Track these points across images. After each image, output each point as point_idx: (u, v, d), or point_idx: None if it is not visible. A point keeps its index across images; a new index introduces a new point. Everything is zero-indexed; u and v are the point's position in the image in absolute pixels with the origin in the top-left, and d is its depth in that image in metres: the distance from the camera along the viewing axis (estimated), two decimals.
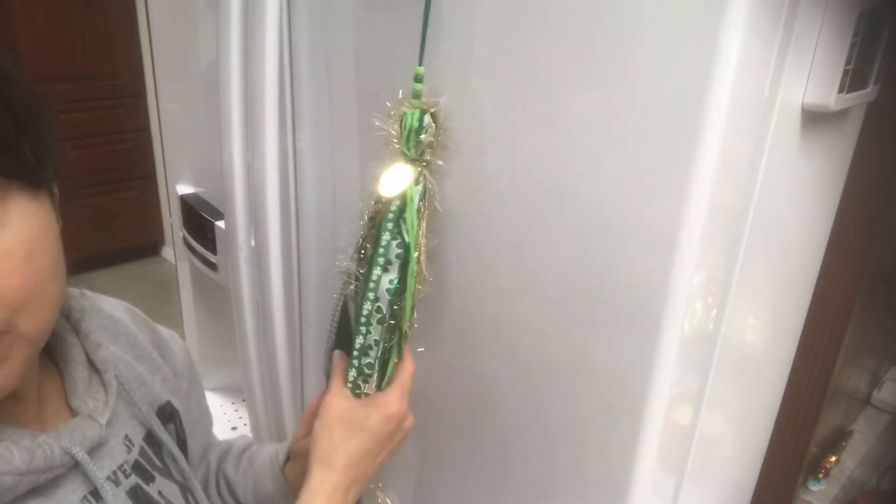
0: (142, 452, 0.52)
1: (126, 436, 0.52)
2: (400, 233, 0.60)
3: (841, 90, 0.53)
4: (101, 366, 0.51)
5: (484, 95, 0.59)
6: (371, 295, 0.61)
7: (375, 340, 0.62)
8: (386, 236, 0.61)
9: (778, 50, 0.49)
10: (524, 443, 0.66)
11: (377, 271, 0.61)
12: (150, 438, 0.54)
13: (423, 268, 0.62)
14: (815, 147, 0.61)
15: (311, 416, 0.66)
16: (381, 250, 0.61)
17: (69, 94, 2.99)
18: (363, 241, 0.64)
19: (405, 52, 0.62)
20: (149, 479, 0.52)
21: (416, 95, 0.60)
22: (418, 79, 0.60)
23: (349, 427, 0.60)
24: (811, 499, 0.93)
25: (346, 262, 0.65)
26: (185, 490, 0.56)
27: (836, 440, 1.02)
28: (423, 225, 0.61)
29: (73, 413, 0.48)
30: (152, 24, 1.13)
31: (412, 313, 0.63)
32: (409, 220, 0.60)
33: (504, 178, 0.59)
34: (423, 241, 0.61)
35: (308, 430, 0.65)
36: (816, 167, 0.64)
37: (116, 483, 0.48)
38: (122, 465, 0.49)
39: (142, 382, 0.55)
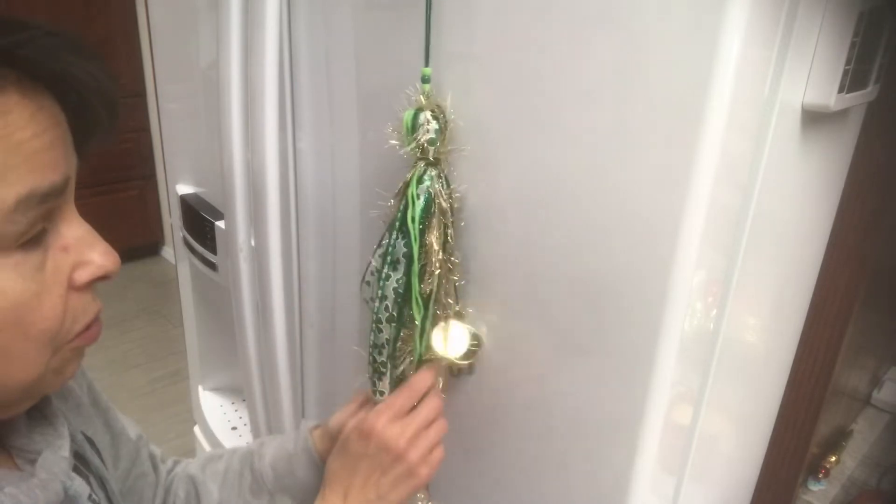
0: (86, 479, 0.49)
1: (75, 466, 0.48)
2: (406, 232, 0.61)
3: (841, 90, 0.53)
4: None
5: (486, 95, 0.59)
6: (380, 293, 0.63)
7: (387, 339, 0.64)
8: (393, 236, 0.62)
9: (778, 50, 0.49)
10: (523, 442, 0.66)
11: (387, 270, 0.62)
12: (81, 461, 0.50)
13: (432, 265, 0.61)
14: (815, 147, 0.61)
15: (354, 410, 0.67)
16: (389, 249, 0.62)
17: None
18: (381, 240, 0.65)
19: (405, 52, 0.62)
20: None
21: (424, 96, 0.60)
22: (425, 79, 0.60)
23: (341, 451, 0.61)
24: (811, 499, 0.93)
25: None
26: None
27: (836, 440, 1.02)
28: (434, 224, 0.61)
29: (8, 451, 0.44)
30: (152, 24, 1.13)
31: (427, 311, 0.62)
32: (410, 220, 0.60)
33: (506, 176, 0.59)
34: (432, 240, 0.61)
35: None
36: (816, 167, 0.64)
37: None
38: (90, 495, 0.47)
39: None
